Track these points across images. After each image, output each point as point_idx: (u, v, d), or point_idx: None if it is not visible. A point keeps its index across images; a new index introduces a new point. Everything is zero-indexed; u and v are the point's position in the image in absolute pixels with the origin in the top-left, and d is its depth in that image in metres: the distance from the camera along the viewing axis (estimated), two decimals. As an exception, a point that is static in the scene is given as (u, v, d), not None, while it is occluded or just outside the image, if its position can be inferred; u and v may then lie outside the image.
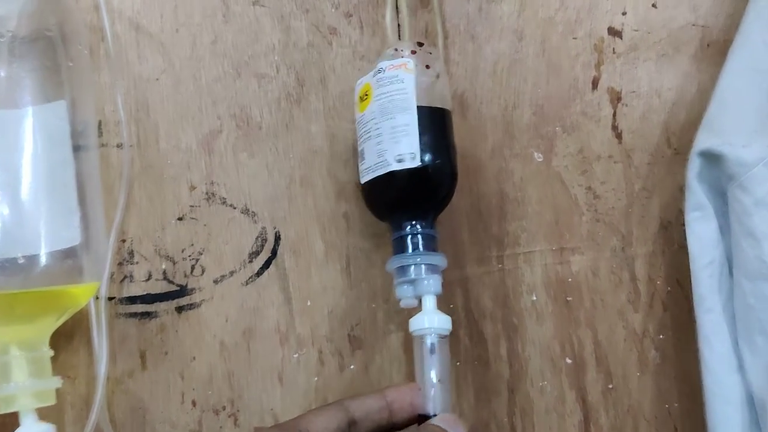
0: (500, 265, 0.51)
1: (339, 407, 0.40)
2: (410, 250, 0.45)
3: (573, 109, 0.52)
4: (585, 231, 0.52)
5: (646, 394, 0.51)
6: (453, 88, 0.52)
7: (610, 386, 0.51)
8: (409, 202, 0.45)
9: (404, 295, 0.45)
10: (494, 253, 0.51)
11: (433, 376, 0.43)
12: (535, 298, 0.51)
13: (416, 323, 0.44)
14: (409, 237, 0.45)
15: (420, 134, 0.44)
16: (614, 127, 0.52)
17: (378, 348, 0.50)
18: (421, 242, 0.45)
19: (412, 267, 0.44)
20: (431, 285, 0.44)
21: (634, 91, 0.52)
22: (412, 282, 0.45)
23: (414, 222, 0.45)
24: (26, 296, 0.41)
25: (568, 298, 0.51)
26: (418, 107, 0.44)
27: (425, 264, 0.44)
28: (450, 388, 0.44)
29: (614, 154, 0.52)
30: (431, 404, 0.42)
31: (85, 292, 0.43)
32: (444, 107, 0.46)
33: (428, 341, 0.43)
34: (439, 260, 0.45)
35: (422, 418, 0.43)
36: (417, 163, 0.44)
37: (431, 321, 0.43)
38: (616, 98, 0.53)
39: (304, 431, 0.39)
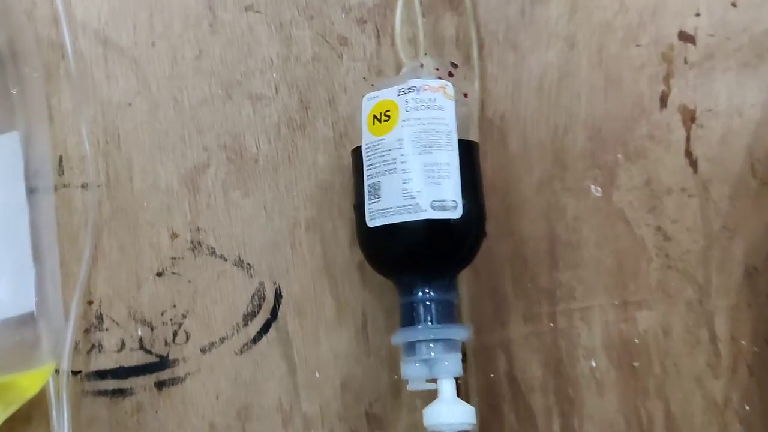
0: (552, 324, 0.45)
1: None
2: (424, 321, 0.39)
3: (638, 132, 0.46)
4: (654, 280, 0.45)
5: None
6: (491, 108, 0.46)
7: (689, 472, 0.44)
8: (434, 259, 0.40)
9: (414, 375, 0.39)
10: (544, 308, 0.45)
11: None
12: (594, 363, 0.44)
13: (433, 416, 0.38)
14: (423, 304, 0.39)
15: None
16: (688, 154, 0.45)
17: (401, 429, 0.44)
18: (437, 312, 0.39)
19: (426, 344, 0.39)
20: (450, 367, 0.39)
21: (710, 110, 0.46)
22: (425, 361, 0.39)
23: (430, 284, 0.39)
24: None
25: (635, 364, 0.44)
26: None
27: (443, 340, 0.39)
28: None
29: (688, 187, 0.45)
30: None
31: (37, 379, 0.38)
32: (472, 140, 0.41)
33: None
34: (461, 334, 0.40)
35: None
36: (458, 214, 0.38)
37: (451, 414, 0.38)
38: (689, 118, 0.46)
39: None
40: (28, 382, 0.37)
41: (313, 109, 0.45)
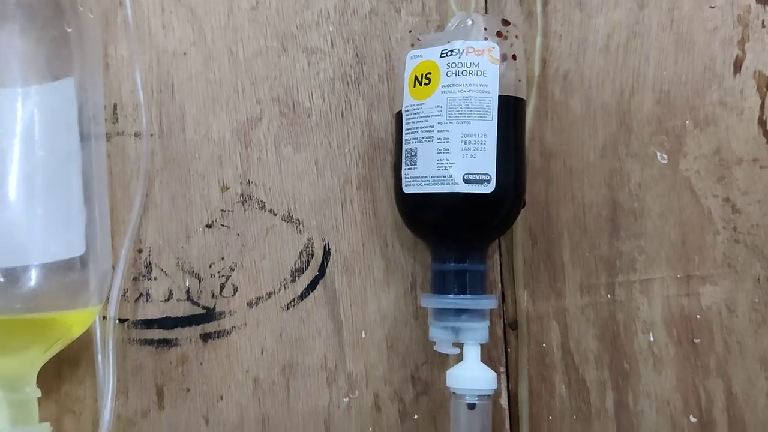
0: (610, 295, 0.43)
1: None
2: (454, 290, 0.38)
3: (708, 98, 0.43)
4: (720, 254, 0.43)
5: None
6: (553, 66, 0.43)
7: (750, 456, 0.41)
8: (466, 232, 0.39)
9: (441, 338, 0.39)
10: (602, 279, 0.43)
11: None
12: (652, 338, 0.42)
13: (455, 379, 0.38)
14: (454, 274, 0.39)
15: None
16: (762, 122, 0.43)
17: (449, 394, 0.41)
18: (467, 281, 0.38)
19: (452, 312, 0.38)
20: (477, 334, 0.38)
21: None
22: (453, 327, 0.39)
23: (460, 254, 0.39)
24: (8, 325, 0.34)
25: (696, 340, 0.42)
26: None
27: (471, 310, 0.38)
28: None
29: (761, 157, 0.43)
30: None
31: (83, 319, 0.37)
32: (518, 95, 0.38)
33: (468, 402, 0.38)
34: (488, 304, 0.39)
35: None
36: (491, 188, 0.37)
37: (473, 379, 0.38)
38: (764, 84, 0.43)
39: None
40: (74, 321, 0.36)
41: (369, 64, 0.43)
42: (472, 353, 0.38)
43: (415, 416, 0.42)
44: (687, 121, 0.43)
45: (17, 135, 0.37)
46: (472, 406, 0.37)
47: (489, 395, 0.37)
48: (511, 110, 0.37)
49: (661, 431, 0.42)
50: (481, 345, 0.38)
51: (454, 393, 0.38)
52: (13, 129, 0.37)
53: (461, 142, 0.37)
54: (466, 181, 0.37)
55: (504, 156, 0.37)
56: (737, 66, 0.43)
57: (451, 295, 0.38)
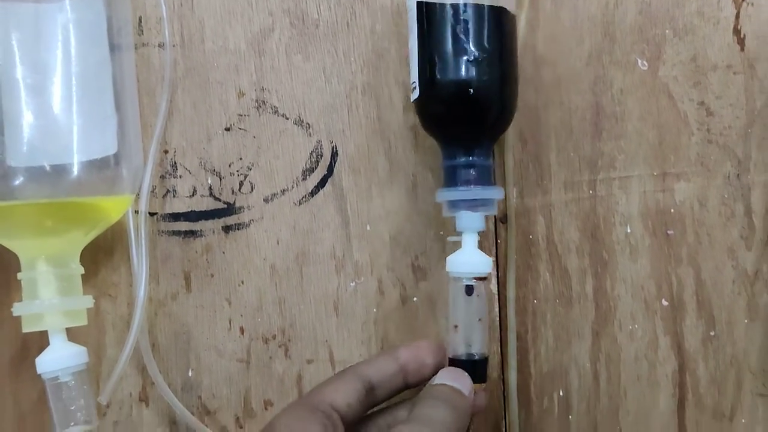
0: (591, 191, 0.45)
1: (355, 376, 0.38)
2: (455, 182, 0.40)
3: (687, 8, 0.45)
4: (694, 154, 0.45)
5: (754, 344, 0.45)
6: None
7: (712, 333, 0.45)
8: (445, 130, 0.41)
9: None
10: (585, 177, 0.45)
11: (469, 317, 0.40)
12: (629, 230, 0.45)
13: (453, 263, 0.40)
14: (454, 168, 0.41)
15: (428, 51, 0.39)
16: (736, 31, 0.45)
17: (445, 280, 0.44)
18: (468, 175, 0.40)
19: (456, 202, 0.40)
20: (473, 221, 0.40)
21: None
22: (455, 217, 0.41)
23: (462, 150, 0.40)
24: (54, 207, 0.37)
25: (669, 232, 0.45)
26: (452, 5, 0.39)
27: (466, 200, 0.40)
28: (486, 330, 0.41)
29: (734, 64, 0.45)
30: (465, 347, 0.40)
31: (119, 205, 0.40)
32: (495, 4, 0.39)
33: (464, 283, 0.40)
34: (490, 194, 0.40)
35: (453, 361, 0.40)
36: (416, 95, 0.40)
37: (470, 263, 0.40)
38: None
39: (328, 406, 0.36)
40: (111, 207, 0.39)
41: None
42: (470, 240, 0.40)
43: (415, 299, 0.45)
44: (666, 30, 0.44)
45: (58, 47, 0.39)
46: (470, 289, 0.40)
47: (485, 277, 0.40)
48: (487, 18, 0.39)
49: (636, 313, 0.45)
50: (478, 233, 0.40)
51: (453, 277, 0.40)
52: (54, 41, 0.39)
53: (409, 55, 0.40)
54: (412, 89, 0.40)
55: (491, 54, 0.38)
56: (715, -22, 0.44)
57: (450, 186, 0.40)
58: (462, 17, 0.39)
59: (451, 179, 0.40)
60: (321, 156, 0.45)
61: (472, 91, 0.39)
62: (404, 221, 0.45)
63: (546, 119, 0.45)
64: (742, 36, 0.44)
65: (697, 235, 0.45)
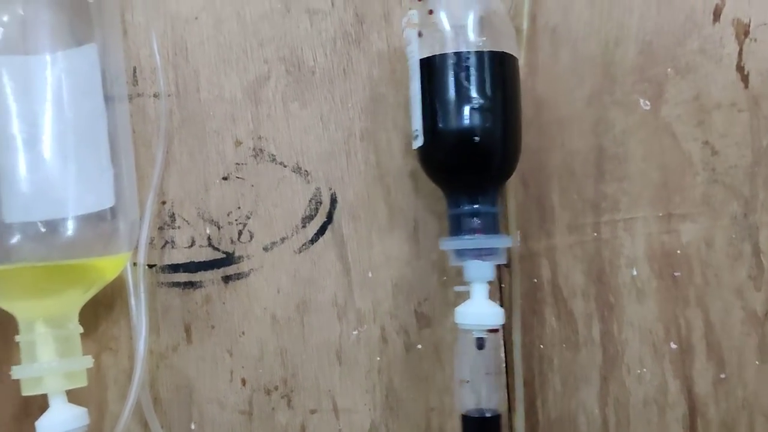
0: (595, 234, 0.45)
1: None
2: (460, 231, 0.40)
3: (689, 47, 0.44)
4: (699, 194, 0.44)
5: (766, 385, 0.44)
6: (543, 20, 0.45)
7: (723, 376, 0.44)
8: (449, 177, 0.41)
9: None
10: (589, 219, 0.45)
11: (478, 372, 0.39)
12: (635, 272, 0.45)
13: (462, 315, 0.39)
14: (459, 216, 0.40)
15: (432, 100, 0.39)
16: (739, 68, 0.44)
17: (449, 326, 0.45)
18: (474, 223, 0.40)
19: (463, 251, 0.40)
20: (482, 272, 0.40)
21: (765, 23, 0.44)
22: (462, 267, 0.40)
23: (467, 198, 0.40)
24: (50, 269, 0.37)
25: (676, 274, 0.44)
26: (439, 56, 0.39)
27: (474, 249, 0.40)
28: (501, 384, 0.41)
29: (738, 102, 0.44)
30: (476, 402, 0.39)
31: (115, 264, 0.40)
32: (488, 50, 0.39)
33: (475, 336, 0.39)
34: (496, 242, 0.40)
35: (465, 418, 0.39)
36: (420, 143, 0.40)
37: (480, 314, 0.39)
38: (742, 32, 0.44)
39: None
40: (107, 266, 0.39)
41: (368, 23, 0.44)
42: (480, 291, 0.39)
43: (419, 346, 0.45)
44: (668, 69, 0.44)
45: (48, 99, 0.39)
46: (481, 341, 0.39)
47: (498, 329, 0.39)
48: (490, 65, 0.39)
49: (644, 357, 0.44)
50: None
51: (462, 329, 0.39)
52: (44, 93, 0.39)
53: (411, 103, 0.40)
54: (414, 137, 0.40)
55: (494, 100, 0.38)
56: (716, 15, 0.44)
57: (456, 236, 0.40)
58: (464, 64, 0.38)
59: (457, 228, 0.40)
60: (320, 203, 0.45)
61: (477, 138, 0.39)
62: (406, 267, 0.45)
63: (547, 161, 0.45)
64: (745, 73, 0.44)
65: (704, 276, 0.44)
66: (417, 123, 0.40)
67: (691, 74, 0.44)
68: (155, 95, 0.44)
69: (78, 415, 0.38)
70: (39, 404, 0.42)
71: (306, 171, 0.45)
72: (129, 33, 0.44)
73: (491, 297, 0.42)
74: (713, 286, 0.44)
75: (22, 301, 0.37)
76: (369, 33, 0.45)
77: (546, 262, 0.45)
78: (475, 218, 0.39)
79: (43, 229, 0.37)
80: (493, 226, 0.40)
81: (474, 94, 0.38)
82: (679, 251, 0.44)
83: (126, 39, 0.44)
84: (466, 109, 0.38)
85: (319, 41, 0.45)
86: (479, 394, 0.39)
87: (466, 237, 0.39)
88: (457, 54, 0.38)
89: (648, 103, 0.44)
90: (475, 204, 0.40)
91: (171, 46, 0.44)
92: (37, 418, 0.43)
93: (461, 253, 0.40)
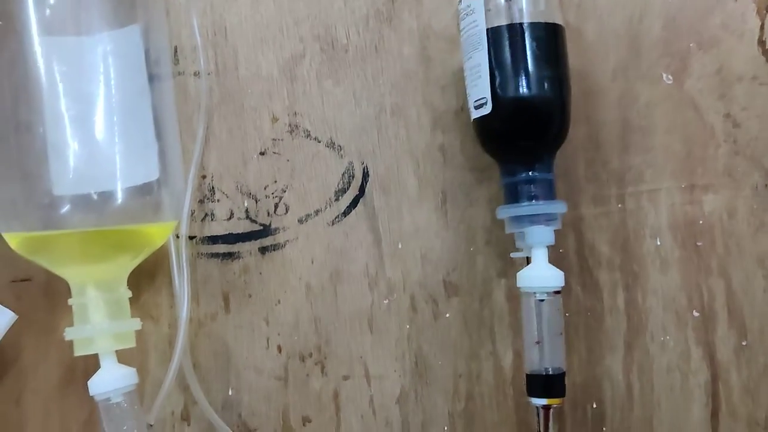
0: (620, 205, 0.46)
1: None
2: (518, 198, 0.41)
3: (711, 21, 0.45)
4: (721, 166, 0.45)
5: None
6: None
7: (744, 343, 0.45)
8: (507, 146, 0.42)
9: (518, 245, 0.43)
10: (613, 191, 0.46)
11: (543, 333, 0.40)
12: (659, 242, 0.45)
13: (524, 278, 0.41)
14: (517, 184, 0.41)
15: (502, 69, 0.40)
16: (761, 42, 0.45)
17: (477, 296, 0.46)
18: (533, 189, 0.41)
19: (521, 217, 0.41)
20: (542, 236, 0.41)
21: None
22: (522, 233, 0.42)
23: (523, 165, 0.41)
24: (101, 235, 0.39)
25: (698, 243, 0.45)
26: (508, 26, 0.40)
27: (534, 215, 0.41)
28: (563, 344, 0.41)
29: (760, 75, 0.45)
30: (541, 362, 0.40)
31: (162, 231, 0.41)
32: (549, 21, 0.41)
33: (538, 298, 0.40)
34: (555, 208, 0.41)
35: (531, 377, 0.40)
36: (488, 110, 0.40)
37: (542, 277, 0.41)
38: (764, 7, 0.45)
39: None
40: (155, 233, 0.41)
41: (399, 1, 0.46)
42: (540, 255, 0.41)
43: (447, 315, 0.46)
44: (691, 44, 0.45)
45: (95, 79, 0.40)
46: (542, 303, 0.40)
47: (559, 291, 0.41)
48: (538, 32, 0.40)
49: (667, 325, 0.45)
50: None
51: (525, 292, 0.41)
52: (91, 73, 0.40)
53: (470, 75, 0.41)
54: (476, 107, 0.41)
55: (549, 68, 0.40)
56: (739, -10, 0.45)
57: (516, 203, 0.41)
58: (535, 35, 0.40)
59: (514, 195, 0.41)
60: (353, 177, 0.46)
61: (544, 106, 0.40)
62: (435, 238, 0.46)
63: (573, 134, 0.45)
64: (767, 47, 0.45)
65: (726, 245, 0.45)
66: (483, 91, 0.41)
67: (714, 48, 0.45)
68: (195, 74, 0.46)
69: (128, 374, 0.39)
70: (83, 370, 0.44)
71: (339, 146, 0.46)
72: (170, 13, 0.46)
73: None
74: (735, 256, 0.45)
75: (75, 266, 0.39)
76: (400, 11, 0.46)
77: (572, 232, 0.46)
78: (533, 185, 0.41)
79: (94, 197, 0.39)
80: (550, 192, 0.41)
81: (542, 63, 0.40)
82: (701, 221, 0.45)
83: (168, 19, 0.45)
84: (535, 78, 0.40)
85: (352, 20, 0.46)
86: (543, 353, 0.40)
87: (525, 204, 0.41)
88: (532, 24, 0.40)
89: (671, 76, 0.45)
90: (534, 171, 0.41)
91: (210, 26, 0.46)
92: (82, 385, 0.45)
93: (520, 220, 0.41)
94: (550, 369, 0.40)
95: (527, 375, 0.41)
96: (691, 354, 0.45)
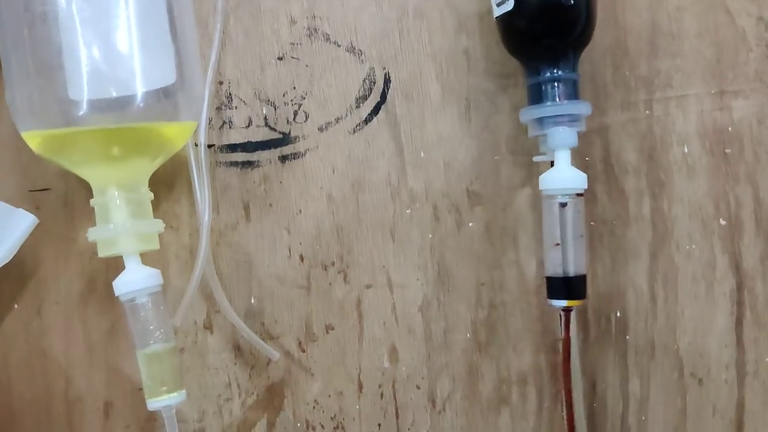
0: (648, 112, 0.45)
1: None
2: (542, 99, 0.40)
3: None
4: (752, 71, 0.44)
5: None
6: None
7: (771, 252, 0.44)
8: (529, 44, 0.41)
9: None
10: (641, 96, 0.45)
11: (565, 236, 0.40)
12: (687, 149, 0.45)
13: (547, 181, 0.40)
14: (540, 85, 0.40)
15: None
16: None
17: (500, 205, 0.46)
18: (556, 90, 0.40)
19: (544, 119, 0.40)
20: (565, 138, 0.40)
21: None
22: (545, 136, 0.41)
23: (548, 65, 0.40)
24: (121, 133, 0.38)
25: (727, 150, 0.45)
26: None
27: (558, 115, 0.40)
28: (584, 246, 0.41)
29: None
30: (563, 265, 0.40)
31: (182, 132, 0.40)
32: None
33: (560, 201, 0.40)
34: (579, 108, 0.40)
35: (551, 280, 0.40)
36: (510, 7, 0.39)
37: (566, 179, 0.40)
38: None
39: None
40: (175, 133, 0.40)
41: None
42: (564, 157, 0.40)
43: (470, 224, 0.45)
44: (725, -57, 0.44)
45: None
46: (565, 206, 0.40)
47: (582, 194, 0.40)
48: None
49: (693, 233, 0.45)
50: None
51: (547, 195, 0.40)
52: None
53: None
54: (497, 5, 0.40)
55: None
56: None
57: (540, 103, 0.40)
58: None
59: (538, 96, 0.40)
60: (374, 83, 0.45)
61: (566, 1, 0.39)
62: (458, 146, 0.45)
63: (601, 39, 0.45)
64: (803, -54, 0.43)
65: (755, 153, 0.44)
66: None
67: (748, -53, 0.44)
68: (211, -26, 0.44)
69: (152, 274, 0.39)
70: (104, 280, 0.44)
71: (360, 50, 0.45)
72: None
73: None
74: (764, 163, 0.44)
75: (95, 167, 0.39)
76: None
77: (598, 140, 0.45)
78: (557, 85, 0.40)
79: (113, 99, 0.38)
80: (574, 93, 0.40)
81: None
82: (730, 128, 0.44)
83: None
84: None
85: None
86: (565, 256, 0.40)
87: (549, 104, 0.40)
88: None
89: (704, -23, 0.44)
90: (558, 71, 0.40)
91: (226, -75, 0.44)
92: (103, 295, 0.45)
93: (543, 122, 0.40)
94: (571, 271, 0.40)
95: (547, 278, 0.41)
96: (717, 263, 0.45)
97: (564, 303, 0.41)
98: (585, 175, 0.40)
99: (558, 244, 0.40)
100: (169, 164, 0.43)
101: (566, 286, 0.41)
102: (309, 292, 0.46)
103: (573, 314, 0.41)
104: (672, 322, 0.45)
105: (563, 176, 0.40)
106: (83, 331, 0.45)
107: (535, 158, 0.42)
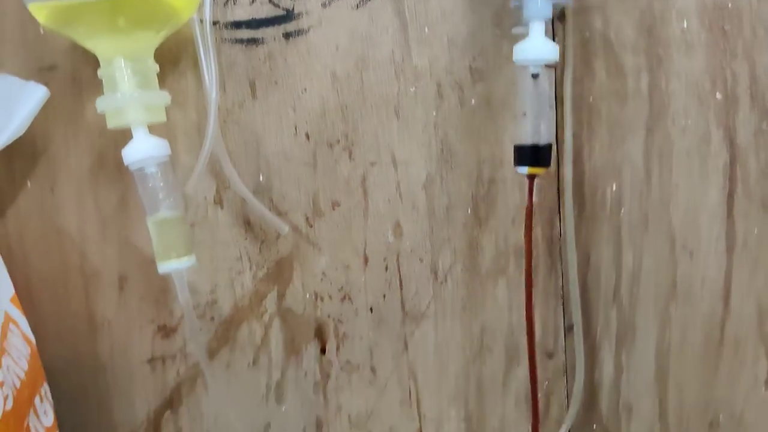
0: None
1: None
2: None
3: None
4: None
5: None
6: None
7: (765, 126, 0.46)
8: None
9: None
10: None
11: (536, 106, 0.41)
12: (686, 25, 0.45)
13: (520, 51, 0.41)
14: None
15: None
16: None
17: (502, 80, 0.46)
18: None
19: None
20: (540, 9, 0.40)
21: None
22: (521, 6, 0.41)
23: None
24: (127, 3, 0.38)
25: (726, 27, 0.45)
26: None
27: None
28: (553, 118, 0.43)
29: None
30: (532, 135, 0.41)
31: (187, 4, 0.40)
32: None
33: (532, 72, 0.40)
34: None
35: (519, 148, 0.41)
36: None
37: (537, 49, 0.40)
38: None
39: None
40: (179, 5, 0.39)
41: None
42: (537, 28, 0.40)
43: (473, 101, 0.46)
44: None
45: None
46: (536, 76, 0.40)
47: (553, 65, 0.41)
48: None
49: (689, 109, 0.45)
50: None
51: (520, 65, 0.41)
52: None
53: None
54: None
55: None
56: None
57: None
58: None
59: None
60: (377, -41, 0.45)
61: None
62: (461, 22, 0.45)
63: None
64: None
65: (753, 29, 0.45)
66: None
67: None
68: None
69: (160, 144, 0.40)
70: (114, 157, 0.45)
71: (363, -76, 0.45)
72: None
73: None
74: (762, 40, 0.45)
75: (100, 38, 0.39)
76: None
77: (598, 15, 0.45)
78: None
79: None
80: None
81: None
82: (730, 5, 0.44)
83: None
84: None
85: None
86: (534, 126, 0.41)
87: None
88: None
89: None
90: None
91: None
92: (112, 170, 0.46)
93: None
94: (539, 140, 0.41)
95: (515, 146, 0.42)
96: (711, 137, 0.46)
97: (527, 170, 0.42)
98: (557, 46, 0.41)
99: (525, 114, 0.41)
100: (173, 41, 0.43)
101: (532, 154, 0.41)
102: (315, 169, 0.47)
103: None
104: (666, 196, 0.47)
105: (535, 46, 0.41)
106: (95, 207, 0.46)
107: (514, 30, 0.42)
